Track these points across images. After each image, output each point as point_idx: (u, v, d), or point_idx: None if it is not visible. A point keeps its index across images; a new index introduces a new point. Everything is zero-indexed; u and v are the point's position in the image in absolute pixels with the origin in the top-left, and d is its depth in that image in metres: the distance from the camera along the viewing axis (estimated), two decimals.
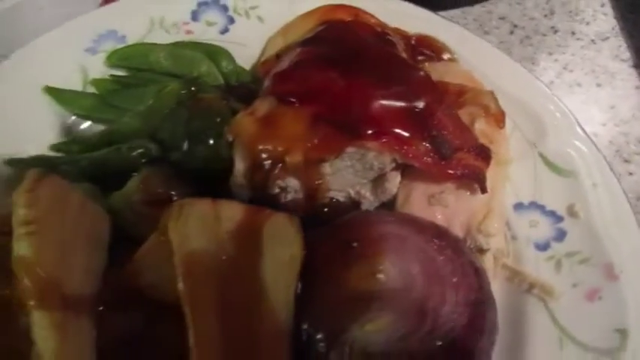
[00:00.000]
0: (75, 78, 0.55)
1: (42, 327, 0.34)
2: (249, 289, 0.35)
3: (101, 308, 0.38)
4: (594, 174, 0.47)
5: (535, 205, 0.47)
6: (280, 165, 0.43)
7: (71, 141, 0.51)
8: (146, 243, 0.40)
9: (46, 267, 0.36)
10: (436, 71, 0.49)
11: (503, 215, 0.45)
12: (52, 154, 0.52)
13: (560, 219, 0.46)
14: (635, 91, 0.59)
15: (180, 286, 0.34)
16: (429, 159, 0.42)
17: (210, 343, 0.34)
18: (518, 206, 0.47)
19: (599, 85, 0.59)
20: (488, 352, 0.37)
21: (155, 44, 0.54)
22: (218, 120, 0.48)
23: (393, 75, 0.45)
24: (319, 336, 0.35)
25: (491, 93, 0.47)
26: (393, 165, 0.43)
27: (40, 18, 0.57)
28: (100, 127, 0.53)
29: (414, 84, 0.44)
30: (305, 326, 0.36)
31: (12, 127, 0.52)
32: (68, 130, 0.53)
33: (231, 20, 0.58)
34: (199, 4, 0.58)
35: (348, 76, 0.44)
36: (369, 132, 0.41)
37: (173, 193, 0.45)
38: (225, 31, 0.58)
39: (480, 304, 0.37)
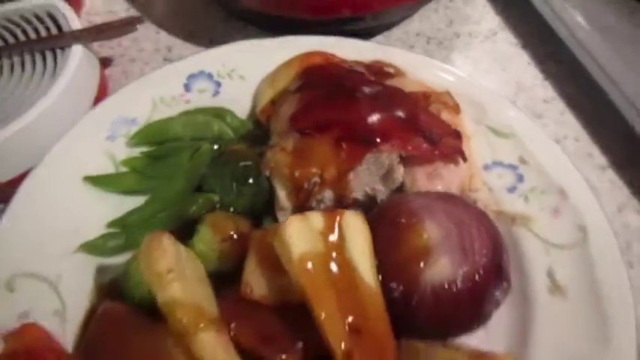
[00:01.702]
0: (106, 164, 0.63)
1: (208, 346, 0.44)
2: (347, 271, 0.47)
3: (233, 324, 0.49)
4: (528, 131, 0.64)
5: (496, 163, 0.64)
6: (319, 182, 0.57)
7: (127, 215, 0.60)
8: (247, 266, 0.51)
9: (191, 302, 0.46)
10: (399, 84, 0.64)
11: (480, 175, 0.62)
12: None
13: (516, 167, 0.63)
14: (529, 65, 0.79)
15: (302, 281, 0.46)
16: (423, 147, 0.57)
17: (333, 317, 0.46)
18: (485, 166, 0.64)
19: (503, 69, 0.79)
20: (509, 264, 0.52)
21: (170, 118, 0.65)
22: (251, 163, 0.60)
23: (377, 95, 0.59)
24: (401, 287, 0.49)
25: (448, 92, 0.63)
26: (398, 160, 0.58)
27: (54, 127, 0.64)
28: (142, 199, 0.63)
29: (396, 98, 0.59)
30: (390, 284, 0.49)
31: (66, 220, 0.60)
32: (117, 209, 0.62)
33: (219, 84, 0.69)
34: (188, 77, 0.69)
35: (347, 104, 0.59)
36: (379, 140, 0.56)
37: (239, 228, 0.56)
38: (216, 93, 0.69)
39: (495, 234, 0.52)
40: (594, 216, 0.59)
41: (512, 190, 0.62)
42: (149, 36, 0.82)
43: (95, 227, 0.60)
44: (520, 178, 0.63)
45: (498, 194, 0.62)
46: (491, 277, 0.50)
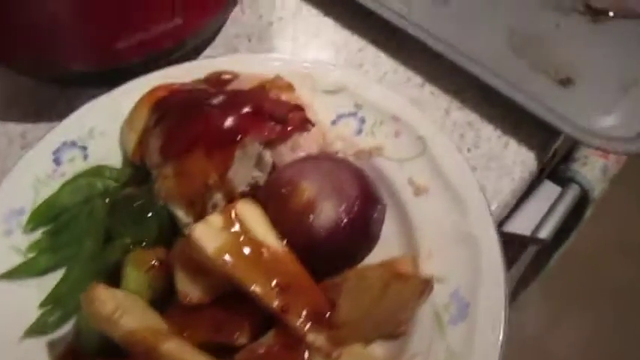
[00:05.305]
0: (14, 257, 0.67)
1: (175, 350, 0.53)
2: (257, 247, 0.57)
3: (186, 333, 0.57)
4: (353, 80, 0.76)
5: (339, 116, 0.75)
6: (205, 190, 0.65)
7: (54, 290, 0.65)
8: (177, 279, 0.59)
9: (145, 326, 0.54)
10: (238, 85, 0.74)
11: (330, 131, 0.74)
12: None
13: (355, 113, 0.75)
14: (336, 27, 0.91)
15: (224, 270, 0.55)
16: (277, 129, 0.68)
17: (261, 286, 0.56)
18: (333, 122, 0.75)
19: (317, 37, 0.91)
20: (377, 189, 0.65)
21: (53, 194, 0.70)
22: (144, 200, 0.67)
23: (223, 102, 0.69)
24: (303, 241, 0.60)
25: (278, 75, 0.74)
26: (262, 147, 0.68)
27: None
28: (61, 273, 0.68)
29: (239, 98, 0.69)
30: (293, 242, 0.59)
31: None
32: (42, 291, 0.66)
33: (84, 148, 0.75)
34: (54, 153, 0.74)
35: (201, 119, 0.68)
36: (239, 137, 0.66)
37: (158, 256, 0.64)
38: (86, 157, 0.74)
39: (358, 171, 0.64)
40: (425, 125, 0.73)
41: (359, 132, 0.75)
42: None
43: (30, 314, 0.64)
44: (362, 120, 0.75)
45: (351, 139, 0.74)
46: (366, 203, 0.62)
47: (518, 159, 0.78)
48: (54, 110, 0.87)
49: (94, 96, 0.78)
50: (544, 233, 0.94)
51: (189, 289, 0.58)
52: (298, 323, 0.55)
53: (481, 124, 0.81)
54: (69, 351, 0.62)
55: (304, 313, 0.56)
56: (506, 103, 0.80)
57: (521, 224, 0.94)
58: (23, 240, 0.69)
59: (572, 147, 0.98)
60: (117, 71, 0.81)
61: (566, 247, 1.15)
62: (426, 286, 0.57)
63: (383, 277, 0.53)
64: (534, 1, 0.92)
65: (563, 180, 0.97)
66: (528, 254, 1.23)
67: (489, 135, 0.80)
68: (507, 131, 0.80)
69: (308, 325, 0.56)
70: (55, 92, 0.88)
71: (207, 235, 0.56)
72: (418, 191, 0.69)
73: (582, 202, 1.00)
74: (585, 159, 0.99)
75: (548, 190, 0.98)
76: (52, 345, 0.64)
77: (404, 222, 0.68)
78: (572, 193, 0.97)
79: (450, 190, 0.68)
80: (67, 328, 0.65)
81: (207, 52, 0.90)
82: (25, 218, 0.70)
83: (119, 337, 0.53)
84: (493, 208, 0.74)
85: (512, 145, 0.79)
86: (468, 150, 0.78)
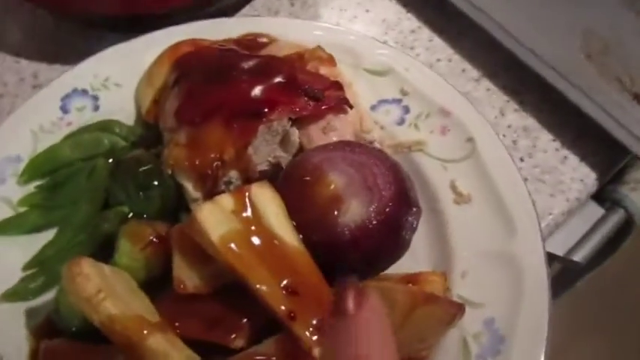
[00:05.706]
0: (3, 209, 0.61)
1: (159, 347, 0.45)
2: (268, 239, 0.49)
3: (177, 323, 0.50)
4: (402, 64, 0.68)
5: (381, 101, 0.67)
6: (220, 165, 0.58)
7: (40, 252, 0.59)
8: (174, 263, 0.51)
9: (128, 314, 0.47)
10: (273, 51, 0.66)
11: (369, 116, 0.65)
12: None
13: (400, 100, 0.67)
14: (390, 2, 0.82)
15: (229, 260, 0.47)
16: (310, 106, 0.59)
17: (268, 285, 0.48)
18: (372, 107, 0.67)
19: (368, 11, 0.82)
20: (414, 191, 0.56)
21: (54, 145, 0.63)
22: (151, 166, 0.59)
23: (254, 67, 0.61)
24: (323, 239, 0.52)
25: (319, 46, 0.65)
26: (290, 123, 0.60)
27: None
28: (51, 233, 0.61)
29: (272, 65, 0.61)
30: (312, 239, 0.52)
31: None
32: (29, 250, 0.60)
33: (96, 98, 0.68)
34: (62, 99, 0.67)
35: (226, 84, 0.60)
36: (266, 110, 0.58)
37: (157, 231, 0.57)
38: (96, 108, 0.67)
39: (395, 167, 0.55)
40: (478, 125, 0.63)
41: (401, 122, 0.66)
42: (9, 67, 0.78)
43: (12, 275, 0.58)
44: (406, 110, 0.66)
45: (390, 129, 0.65)
46: (400, 205, 0.53)
47: (576, 176, 0.68)
48: (72, 52, 0.79)
49: (117, 42, 0.71)
50: (579, 256, 0.85)
51: (185, 276, 0.51)
52: (306, 334, 0.47)
53: (538, 131, 0.71)
54: (47, 323, 0.56)
55: (314, 322, 0.48)
56: (569, 111, 0.70)
57: (556, 242, 0.85)
58: (15, 192, 0.62)
59: (622, 169, 0.89)
60: (143, 19, 0.73)
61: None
62: (457, 311, 0.49)
63: (410, 296, 0.45)
64: (618, 2, 0.81)
65: (607, 202, 0.88)
66: (553, 268, 1.14)
67: (546, 145, 0.70)
68: (567, 143, 0.70)
69: (316, 337, 0.48)
70: (76, 33, 0.81)
71: (214, 217, 0.48)
72: (460, 199, 0.60)
73: (625, 227, 0.91)
74: (635, 183, 0.89)
75: (591, 210, 0.88)
76: (30, 313, 0.57)
77: (439, 231, 0.60)
78: (616, 217, 0.87)
79: (497, 202, 0.59)
80: (50, 295, 0.58)
81: (245, 11, 0.82)
82: (21, 167, 0.63)
83: (98, 321, 0.46)
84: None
85: (572, 160, 0.69)
86: (521, 159, 0.69)
